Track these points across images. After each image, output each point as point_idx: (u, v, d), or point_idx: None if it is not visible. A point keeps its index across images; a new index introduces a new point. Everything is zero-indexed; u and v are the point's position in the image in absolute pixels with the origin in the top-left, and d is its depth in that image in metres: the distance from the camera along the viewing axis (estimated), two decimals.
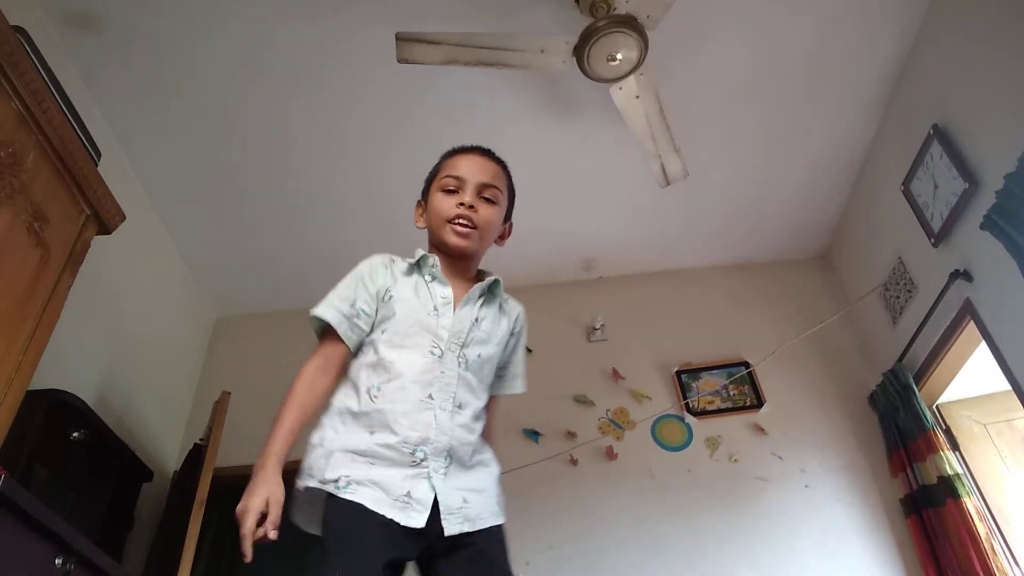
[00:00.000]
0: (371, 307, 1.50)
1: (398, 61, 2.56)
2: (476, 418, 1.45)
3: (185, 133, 3.20)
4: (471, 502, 1.34)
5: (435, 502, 1.30)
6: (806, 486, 3.35)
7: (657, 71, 2.71)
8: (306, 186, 3.50)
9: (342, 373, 1.48)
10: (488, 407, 1.53)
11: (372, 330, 1.49)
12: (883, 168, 3.46)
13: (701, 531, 3.23)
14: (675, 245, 4.08)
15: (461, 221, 1.55)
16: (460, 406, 1.40)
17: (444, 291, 1.51)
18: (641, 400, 3.68)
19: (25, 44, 1.98)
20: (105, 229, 2.31)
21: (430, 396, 1.37)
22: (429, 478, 1.31)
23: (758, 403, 3.63)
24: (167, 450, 3.49)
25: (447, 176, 1.60)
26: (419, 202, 1.69)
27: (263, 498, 1.26)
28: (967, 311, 2.86)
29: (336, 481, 1.30)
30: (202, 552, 3.01)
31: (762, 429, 3.54)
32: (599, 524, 3.27)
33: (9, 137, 1.86)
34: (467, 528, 1.31)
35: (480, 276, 1.62)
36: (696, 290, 4.12)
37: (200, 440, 3.08)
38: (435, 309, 1.48)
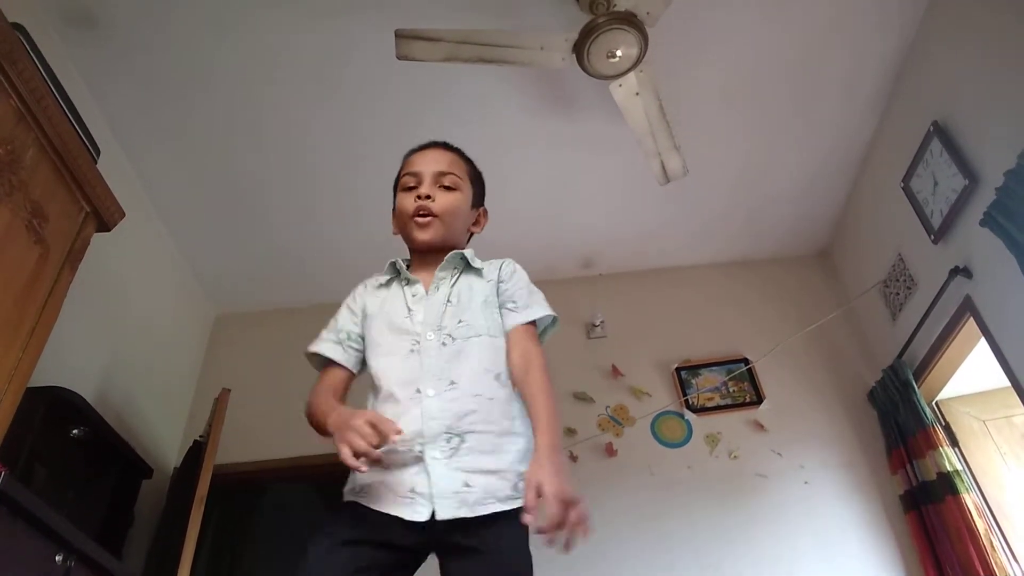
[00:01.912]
0: (358, 327, 1.54)
1: (398, 58, 2.56)
2: (479, 382, 1.38)
3: (184, 130, 3.20)
4: (475, 485, 1.28)
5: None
6: (805, 482, 3.36)
7: (657, 68, 2.71)
8: (307, 184, 3.50)
9: (347, 391, 1.50)
10: (513, 342, 1.46)
11: (365, 349, 1.51)
12: (883, 165, 3.46)
13: (700, 528, 3.23)
14: (675, 242, 4.07)
15: (420, 212, 1.55)
16: (453, 382, 1.37)
17: (415, 288, 1.52)
18: (641, 397, 3.68)
19: (24, 41, 1.98)
20: (104, 226, 2.30)
21: (417, 390, 1.36)
22: (427, 468, 1.30)
23: (758, 400, 3.63)
24: (167, 447, 3.49)
25: (405, 174, 1.62)
26: (393, 211, 1.67)
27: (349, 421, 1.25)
28: (967, 308, 2.86)
29: (352, 489, 1.36)
30: (202, 549, 3.02)
31: (762, 426, 3.54)
32: (598, 521, 3.22)
33: (8, 134, 1.86)
34: (464, 513, 1.25)
35: None
36: (696, 287, 4.12)
37: (200, 437, 3.08)
38: (409, 310, 1.48)
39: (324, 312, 1.62)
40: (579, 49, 2.55)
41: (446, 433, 1.32)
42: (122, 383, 3.17)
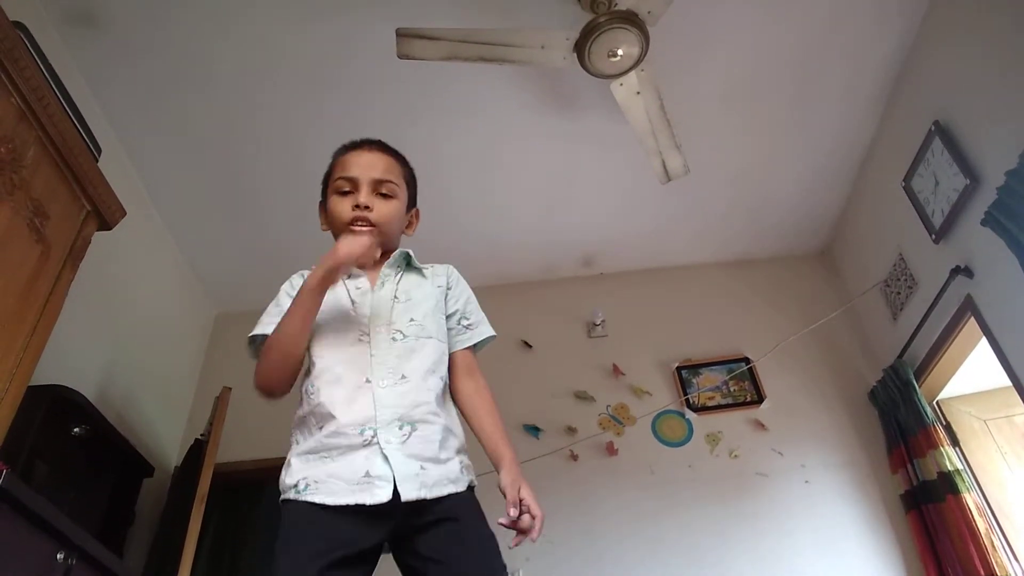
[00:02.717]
0: None
1: (399, 57, 2.56)
2: (428, 379, 1.43)
3: (185, 128, 3.20)
4: (428, 469, 1.31)
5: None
6: (806, 482, 3.36)
7: (658, 67, 2.71)
8: (308, 182, 3.48)
9: (295, 376, 1.48)
10: (458, 362, 1.54)
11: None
12: (884, 164, 3.46)
13: (701, 527, 3.23)
14: (676, 241, 4.07)
15: (359, 223, 1.54)
16: (404, 376, 1.39)
17: (358, 282, 1.52)
18: (641, 396, 3.68)
19: (25, 40, 1.98)
20: (106, 225, 2.31)
21: (367, 380, 1.37)
22: (382, 451, 1.30)
23: (758, 399, 3.63)
24: (168, 445, 3.49)
25: (339, 178, 1.58)
26: (320, 204, 1.67)
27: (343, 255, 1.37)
28: (968, 307, 2.86)
29: (295, 486, 1.32)
30: (203, 547, 3.02)
31: (762, 425, 3.54)
32: (599, 520, 3.27)
33: (9, 133, 1.86)
34: (425, 494, 1.28)
35: None
36: (697, 286, 4.12)
37: (201, 436, 3.08)
38: (353, 302, 1.49)
39: None
40: (580, 48, 2.55)
41: (398, 420, 1.34)
42: (123, 381, 3.17)
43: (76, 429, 2.60)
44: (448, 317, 1.57)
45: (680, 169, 3.10)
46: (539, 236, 3.88)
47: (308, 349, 1.47)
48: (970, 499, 2.85)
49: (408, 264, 1.59)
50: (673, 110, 2.85)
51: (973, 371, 3.15)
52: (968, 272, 2.84)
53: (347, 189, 1.57)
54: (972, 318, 2.86)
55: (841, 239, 4.07)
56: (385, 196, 1.57)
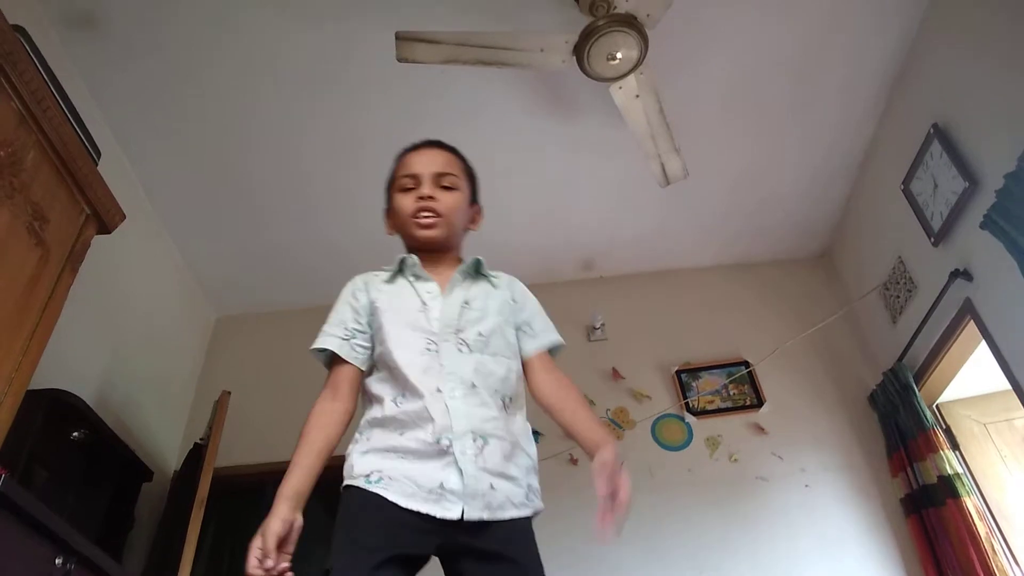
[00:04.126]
0: (363, 324, 1.51)
1: (398, 60, 2.56)
2: (495, 395, 1.42)
3: (185, 132, 3.20)
4: (498, 489, 1.31)
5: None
6: (806, 486, 3.35)
7: (657, 70, 2.71)
8: (308, 185, 3.50)
9: (357, 392, 1.48)
10: (531, 370, 1.54)
11: (375, 346, 1.49)
12: (883, 167, 3.46)
13: (701, 531, 3.23)
14: (675, 244, 4.07)
15: (424, 213, 1.55)
16: (473, 386, 1.38)
17: (428, 285, 1.52)
18: (641, 400, 3.68)
19: (25, 43, 1.98)
20: (105, 228, 2.31)
21: (438, 389, 1.36)
22: (456, 463, 1.29)
23: (758, 403, 3.63)
24: (167, 450, 3.49)
25: (403, 176, 1.61)
26: (385, 211, 1.68)
27: (260, 531, 1.24)
28: (967, 310, 2.86)
29: (368, 476, 1.31)
30: (202, 552, 3.02)
31: (762, 429, 3.54)
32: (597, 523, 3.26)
33: (8, 137, 1.86)
34: (486, 516, 1.27)
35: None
36: (696, 290, 4.12)
37: (200, 440, 3.08)
38: (424, 304, 1.48)
39: (325, 314, 1.61)
40: (579, 51, 2.55)
41: (472, 432, 1.33)
42: (122, 385, 3.17)
43: (75, 433, 2.60)
44: (516, 328, 1.57)
45: (679, 172, 3.10)
46: (538, 239, 3.88)
47: (378, 351, 1.47)
48: (970, 503, 2.84)
49: (477, 271, 1.59)
50: (672, 113, 2.85)
51: (973, 375, 3.15)
52: (967, 275, 2.84)
53: (410, 186, 1.59)
54: (971, 321, 2.86)
55: (840, 242, 4.08)
56: (447, 188, 1.60)
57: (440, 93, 3.10)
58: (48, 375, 2.27)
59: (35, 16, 2.58)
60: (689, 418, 3.60)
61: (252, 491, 3.60)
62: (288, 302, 4.02)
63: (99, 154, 2.30)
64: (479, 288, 1.56)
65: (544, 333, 1.60)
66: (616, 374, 3.75)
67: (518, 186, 3.52)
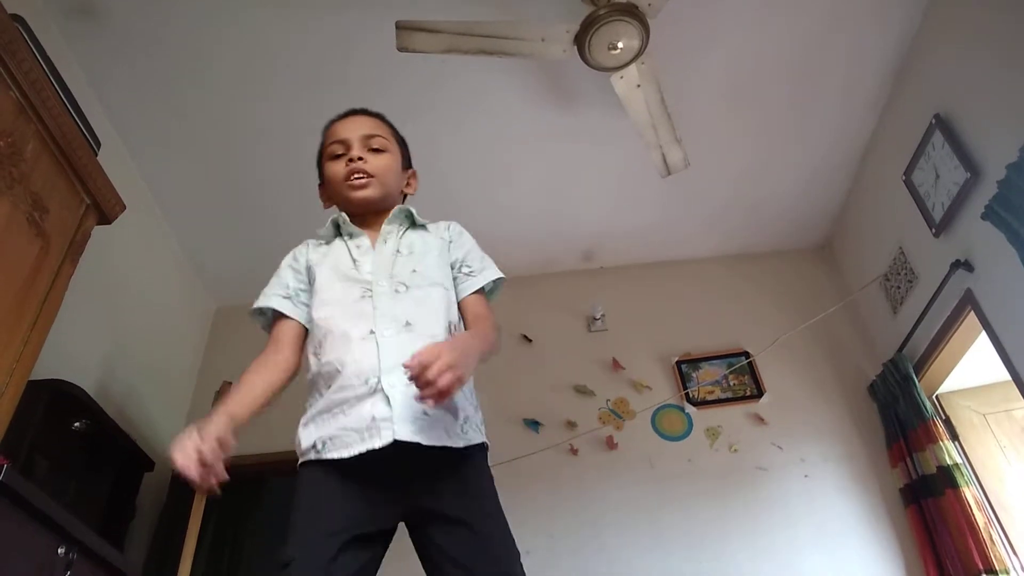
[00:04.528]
0: (304, 283, 1.54)
1: (398, 49, 2.55)
2: (433, 327, 1.40)
3: (185, 122, 3.19)
4: (431, 415, 1.29)
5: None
6: (806, 476, 3.36)
7: (658, 60, 2.70)
8: (307, 176, 3.47)
9: (300, 349, 1.48)
10: (466, 309, 1.52)
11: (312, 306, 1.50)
12: (884, 158, 3.46)
13: (701, 521, 3.24)
14: (676, 235, 4.07)
15: (356, 175, 1.56)
16: (408, 324, 1.38)
17: (359, 240, 1.54)
18: (641, 390, 3.68)
19: (24, 33, 1.97)
20: (105, 219, 2.30)
21: (371, 331, 1.36)
22: (385, 395, 1.28)
23: (758, 393, 3.63)
24: (168, 440, 3.44)
25: (332, 143, 1.63)
26: (319, 184, 1.70)
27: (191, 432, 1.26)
28: (968, 301, 2.86)
29: (313, 446, 1.32)
30: (204, 541, 3.03)
31: (762, 419, 3.54)
32: (599, 513, 3.28)
33: (8, 127, 1.85)
34: (421, 440, 1.25)
35: None
36: (697, 280, 4.12)
37: None
38: (354, 261, 1.50)
39: None
40: (580, 41, 2.54)
41: (402, 366, 1.30)
42: (123, 376, 3.18)
43: (76, 423, 2.60)
44: (451, 267, 1.56)
45: (680, 162, 3.10)
46: (539, 230, 3.87)
47: (311, 313, 1.48)
48: (969, 493, 2.85)
49: (412, 222, 1.60)
50: (673, 103, 2.85)
51: (973, 365, 3.16)
52: (968, 266, 2.84)
53: (340, 152, 1.61)
54: (972, 312, 2.86)
55: (841, 233, 4.07)
56: (377, 151, 1.61)
57: (441, 86, 3.09)
58: (49, 365, 2.27)
59: (34, 5, 2.57)
60: (689, 408, 3.61)
61: (254, 481, 3.62)
62: None
63: (99, 144, 2.29)
64: (413, 235, 1.57)
65: (480, 272, 1.57)
66: (616, 364, 3.76)
67: (518, 176, 3.51)
